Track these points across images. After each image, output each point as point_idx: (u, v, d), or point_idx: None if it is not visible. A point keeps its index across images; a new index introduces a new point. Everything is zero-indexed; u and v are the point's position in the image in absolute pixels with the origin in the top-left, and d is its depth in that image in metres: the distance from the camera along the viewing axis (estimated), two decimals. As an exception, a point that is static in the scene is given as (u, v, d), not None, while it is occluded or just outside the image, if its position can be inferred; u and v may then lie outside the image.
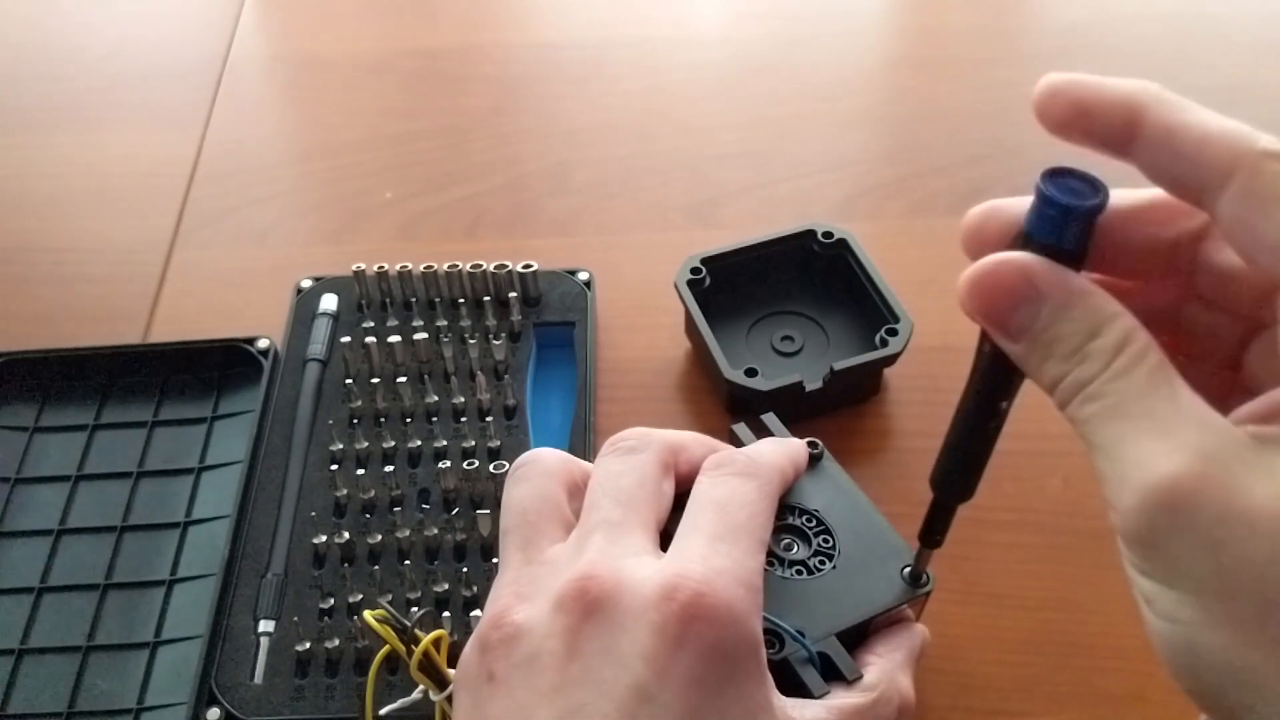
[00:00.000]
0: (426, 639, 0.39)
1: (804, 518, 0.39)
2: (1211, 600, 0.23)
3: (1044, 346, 0.25)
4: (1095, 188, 0.26)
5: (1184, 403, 0.24)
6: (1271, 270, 0.23)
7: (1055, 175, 0.26)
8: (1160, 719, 0.45)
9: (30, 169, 0.72)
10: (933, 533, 0.36)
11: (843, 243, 0.57)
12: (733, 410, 0.55)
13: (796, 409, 0.54)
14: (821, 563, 0.38)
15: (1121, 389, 0.24)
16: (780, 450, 0.39)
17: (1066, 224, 0.25)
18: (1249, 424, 0.23)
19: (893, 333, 0.53)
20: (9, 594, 0.51)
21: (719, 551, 0.31)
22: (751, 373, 0.52)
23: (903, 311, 0.54)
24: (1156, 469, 0.23)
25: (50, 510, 0.54)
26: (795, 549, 0.38)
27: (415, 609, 0.42)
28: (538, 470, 0.36)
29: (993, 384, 0.29)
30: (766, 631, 0.34)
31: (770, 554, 0.37)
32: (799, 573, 0.38)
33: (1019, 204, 0.27)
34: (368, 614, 0.40)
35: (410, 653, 0.39)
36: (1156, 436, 0.23)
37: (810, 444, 0.42)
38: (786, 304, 0.59)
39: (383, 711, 0.42)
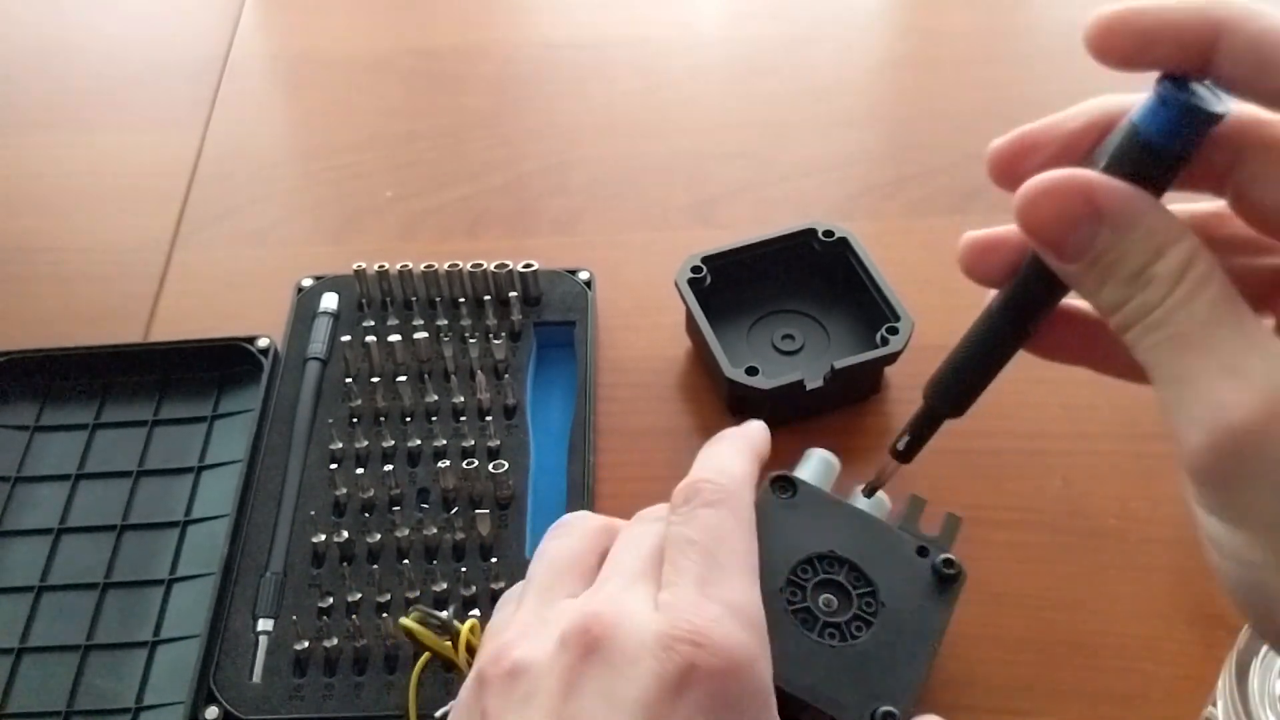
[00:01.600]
0: (464, 629, 0.39)
1: (825, 564, 0.37)
2: None
3: (1103, 269, 0.24)
4: (1218, 96, 0.24)
5: (1252, 334, 0.22)
6: None
7: (1176, 79, 0.25)
8: (1161, 719, 0.45)
9: (30, 169, 0.72)
10: (910, 446, 0.34)
11: (843, 242, 0.57)
12: (733, 409, 0.55)
13: (797, 408, 0.54)
14: (869, 605, 0.36)
15: (1186, 317, 0.23)
16: (738, 450, 0.36)
17: (1184, 126, 0.24)
18: None
19: (893, 331, 0.53)
20: (8, 593, 0.51)
21: (710, 596, 0.30)
22: (752, 371, 0.52)
23: (903, 310, 0.54)
24: (1227, 409, 0.22)
25: (50, 509, 0.53)
26: (836, 604, 0.36)
27: (447, 610, 0.42)
28: (576, 530, 0.36)
29: (1029, 302, 0.28)
30: None
31: (825, 627, 0.35)
32: (858, 629, 0.35)
33: (1056, 128, 0.26)
34: (404, 621, 0.40)
35: (455, 649, 0.39)
36: (1225, 373, 0.22)
37: (779, 481, 0.39)
38: (787, 303, 0.59)
39: (438, 714, 0.41)
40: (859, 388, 0.56)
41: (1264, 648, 0.37)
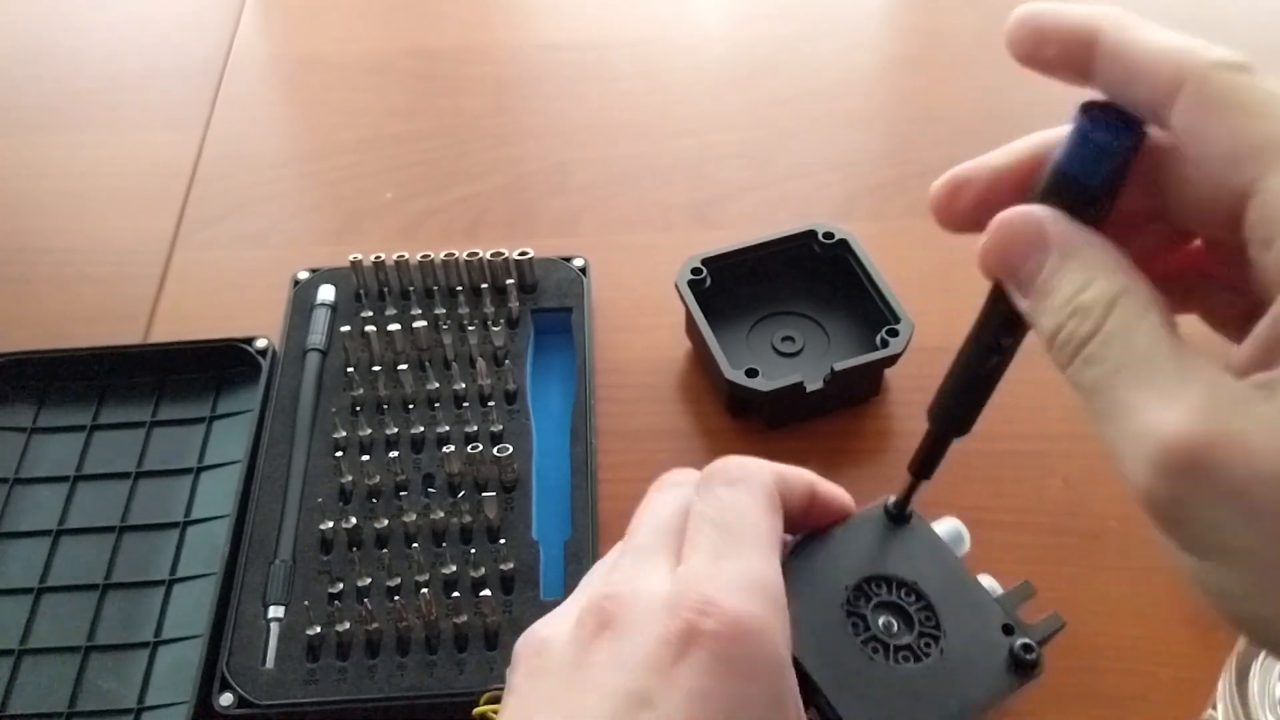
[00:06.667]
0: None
1: (901, 591, 0.35)
2: (1258, 568, 0.21)
3: (1042, 297, 0.25)
4: (1130, 126, 0.25)
5: (1191, 364, 0.22)
6: (1224, 180, 0.22)
7: (1093, 110, 0.25)
8: (1161, 719, 0.45)
9: (30, 169, 0.72)
10: (925, 464, 0.34)
11: (843, 243, 0.57)
12: (733, 411, 0.55)
13: (797, 410, 0.54)
14: (928, 645, 0.34)
15: (1120, 351, 0.23)
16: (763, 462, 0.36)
17: (1098, 161, 0.25)
18: (1252, 373, 0.22)
19: (893, 333, 0.53)
20: (8, 594, 0.51)
21: (724, 568, 0.29)
22: (752, 373, 0.52)
23: (903, 312, 0.54)
24: (1166, 434, 0.21)
25: (49, 510, 0.53)
26: (895, 628, 0.34)
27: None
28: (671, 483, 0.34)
29: (997, 326, 0.29)
30: None
31: (873, 640, 0.34)
32: (905, 658, 0.33)
33: (984, 167, 0.27)
34: (479, 710, 0.41)
35: None
36: (1162, 400, 0.22)
37: (896, 506, 0.36)
38: (787, 304, 0.59)
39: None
40: (859, 390, 0.56)
41: (1264, 651, 0.37)
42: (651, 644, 0.28)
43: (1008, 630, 0.35)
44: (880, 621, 0.34)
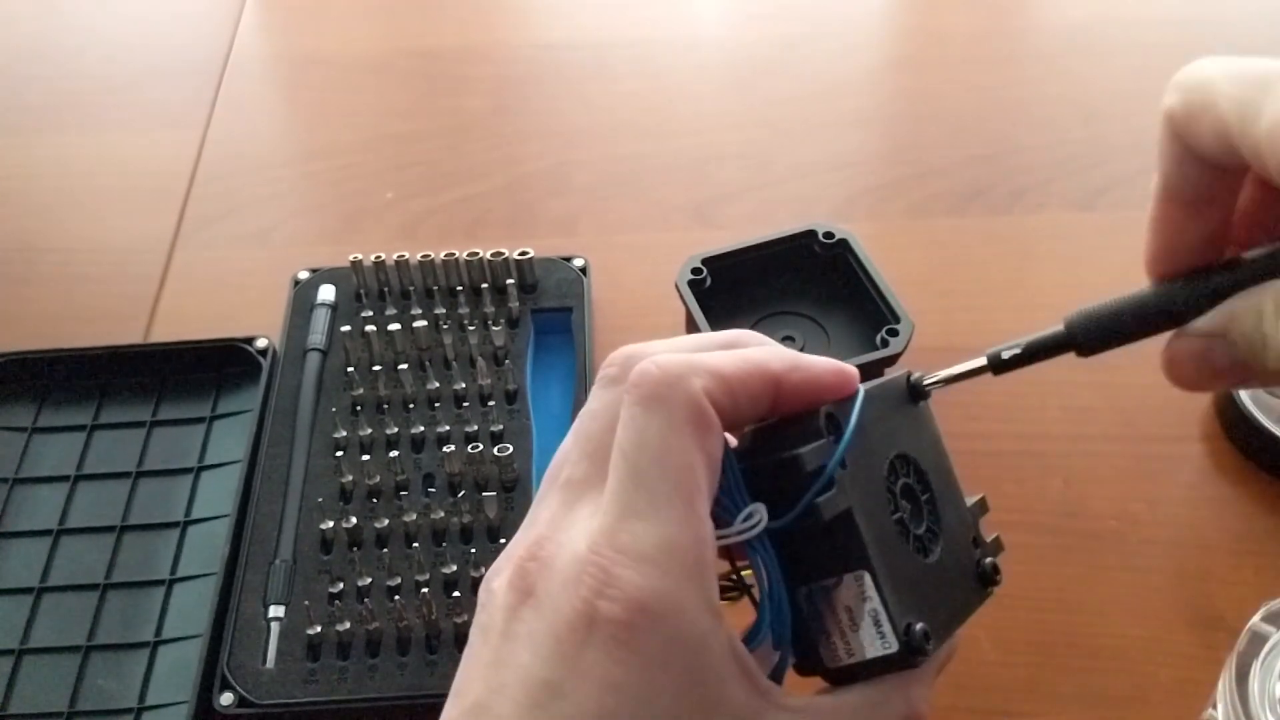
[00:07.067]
0: None
1: (916, 477, 0.32)
2: None
3: None
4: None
5: None
6: None
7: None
8: (1161, 719, 0.45)
9: (30, 169, 0.72)
10: (1015, 361, 0.31)
11: (843, 243, 0.57)
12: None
13: (797, 409, 0.54)
14: (931, 541, 0.32)
15: None
16: (707, 343, 0.31)
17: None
18: None
19: (893, 333, 0.53)
20: (9, 594, 0.51)
21: (631, 530, 0.26)
22: (752, 373, 0.52)
23: (903, 312, 0.54)
24: None
25: (49, 510, 0.53)
26: (909, 512, 0.31)
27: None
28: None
29: (1208, 295, 0.28)
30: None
31: (901, 523, 0.30)
32: (918, 550, 0.31)
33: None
34: None
35: None
36: None
37: (915, 379, 0.33)
38: (787, 304, 0.59)
39: None
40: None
41: (1264, 650, 0.37)
42: (561, 625, 0.26)
43: (975, 543, 0.34)
44: (904, 504, 0.31)
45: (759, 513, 0.28)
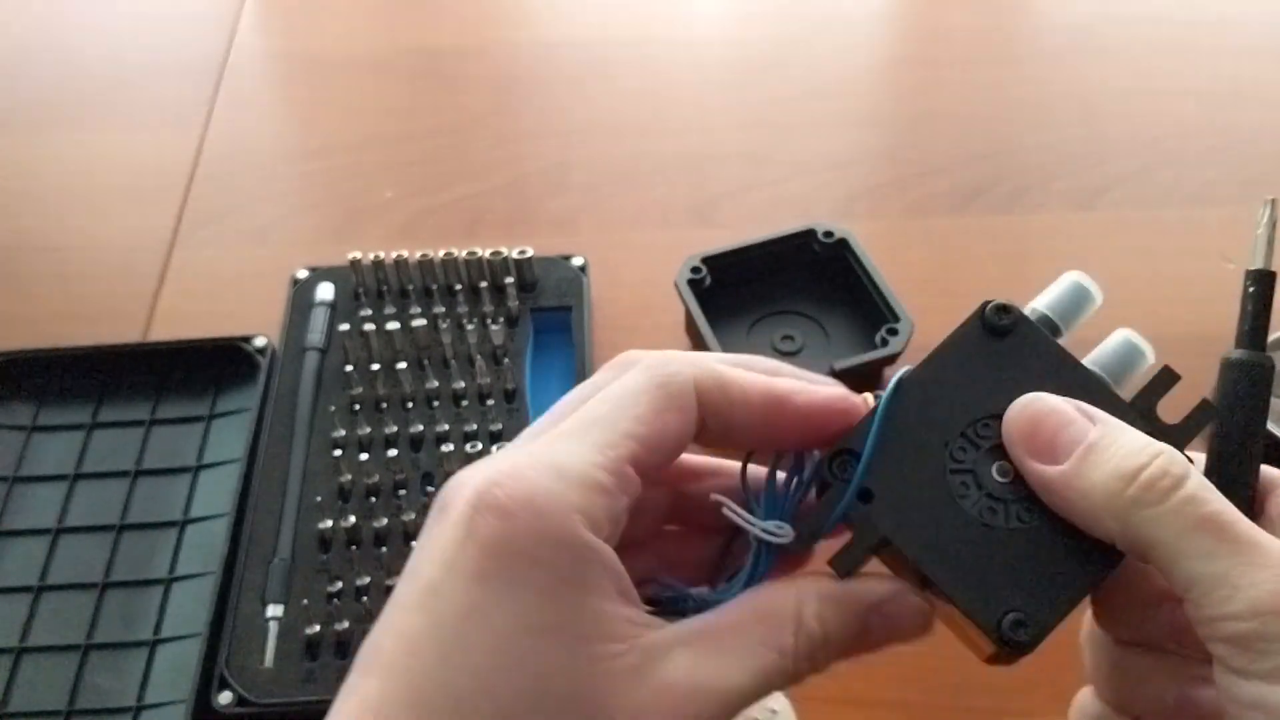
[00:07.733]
0: None
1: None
2: None
3: None
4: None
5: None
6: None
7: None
8: (1161, 719, 0.45)
9: (30, 169, 0.72)
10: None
11: (843, 242, 0.57)
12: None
13: (796, 408, 0.54)
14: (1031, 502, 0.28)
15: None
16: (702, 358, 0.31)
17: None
18: None
19: (893, 332, 0.53)
20: (8, 593, 0.51)
21: (554, 447, 0.28)
22: (751, 372, 0.52)
23: (903, 311, 0.54)
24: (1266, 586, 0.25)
25: (48, 509, 0.53)
26: (1010, 476, 0.28)
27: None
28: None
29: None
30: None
31: (983, 494, 0.28)
32: (1023, 517, 0.28)
33: None
34: None
35: None
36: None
37: (996, 311, 0.30)
38: (787, 303, 0.59)
39: None
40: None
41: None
42: (448, 528, 0.27)
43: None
44: (995, 469, 0.29)
45: (786, 534, 0.28)
